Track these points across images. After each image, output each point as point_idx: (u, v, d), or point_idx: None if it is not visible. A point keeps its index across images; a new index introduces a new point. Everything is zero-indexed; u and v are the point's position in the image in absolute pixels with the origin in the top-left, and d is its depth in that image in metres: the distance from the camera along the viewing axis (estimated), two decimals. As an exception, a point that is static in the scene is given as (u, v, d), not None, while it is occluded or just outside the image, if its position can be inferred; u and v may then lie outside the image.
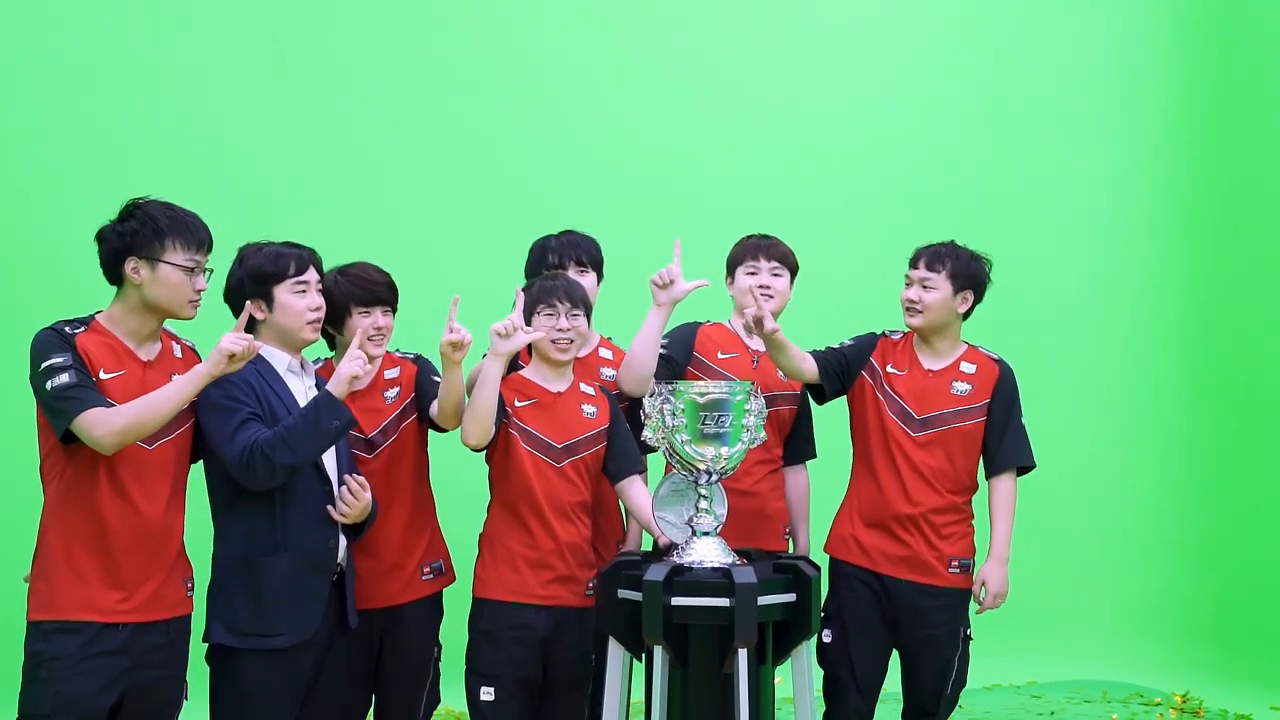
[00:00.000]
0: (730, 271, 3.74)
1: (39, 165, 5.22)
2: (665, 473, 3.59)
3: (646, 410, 3.14)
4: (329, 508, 3.13)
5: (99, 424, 2.76)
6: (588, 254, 3.75)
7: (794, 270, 3.71)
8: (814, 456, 3.89)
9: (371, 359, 3.36)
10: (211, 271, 3.03)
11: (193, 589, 3.07)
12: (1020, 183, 6.48)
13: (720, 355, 3.71)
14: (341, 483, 3.19)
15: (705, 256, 3.86)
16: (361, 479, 3.18)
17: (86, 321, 2.95)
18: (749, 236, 3.75)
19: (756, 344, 3.71)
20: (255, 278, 3.16)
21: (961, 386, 3.60)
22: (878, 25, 6.42)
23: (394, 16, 5.80)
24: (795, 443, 3.85)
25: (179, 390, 2.86)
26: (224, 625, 3.09)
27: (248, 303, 3.15)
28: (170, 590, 2.98)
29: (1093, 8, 6.60)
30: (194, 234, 2.95)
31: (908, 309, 3.60)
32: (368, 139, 5.71)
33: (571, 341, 3.42)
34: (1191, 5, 6.49)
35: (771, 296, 3.62)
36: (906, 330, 3.69)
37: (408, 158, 5.78)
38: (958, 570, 3.59)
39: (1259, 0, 6.07)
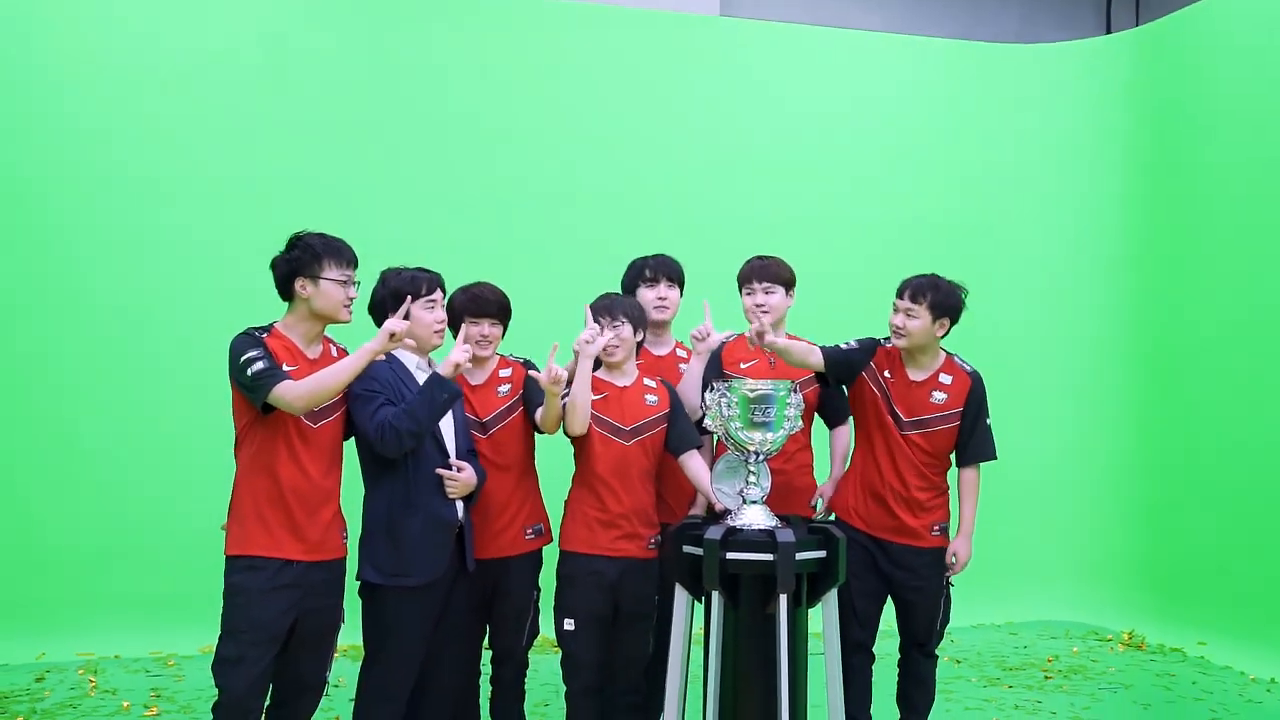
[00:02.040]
0: (740, 289, 3.73)
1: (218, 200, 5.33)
2: (716, 453, 3.70)
3: (707, 403, 3.17)
4: (445, 485, 3.21)
5: (289, 390, 2.88)
6: (678, 273, 3.83)
7: (788, 283, 3.65)
8: (850, 415, 3.79)
9: (478, 360, 3.44)
10: (359, 284, 3.12)
11: (347, 538, 3.16)
12: (996, 217, 6.46)
13: (742, 365, 3.72)
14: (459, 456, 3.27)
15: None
16: (461, 463, 3.25)
17: (268, 329, 3.07)
18: (750, 260, 3.71)
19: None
20: (395, 296, 3.25)
21: (939, 396, 3.58)
22: (880, 96, 6.35)
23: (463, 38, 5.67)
24: (830, 410, 3.83)
25: (351, 363, 2.97)
26: (371, 566, 3.18)
27: (407, 304, 3.23)
28: (331, 538, 3.08)
29: (1056, 86, 6.49)
30: (343, 255, 3.06)
31: (894, 333, 3.56)
32: (450, 162, 5.70)
33: (617, 346, 3.44)
34: (1139, 89, 6.36)
35: (768, 311, 3.61)
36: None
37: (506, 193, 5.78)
38: (938, 533, 3.61)
39: (1193, 83, 5.98)
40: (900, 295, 3.58)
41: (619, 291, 3.69)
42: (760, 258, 3.73)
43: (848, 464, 3.79)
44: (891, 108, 6.28)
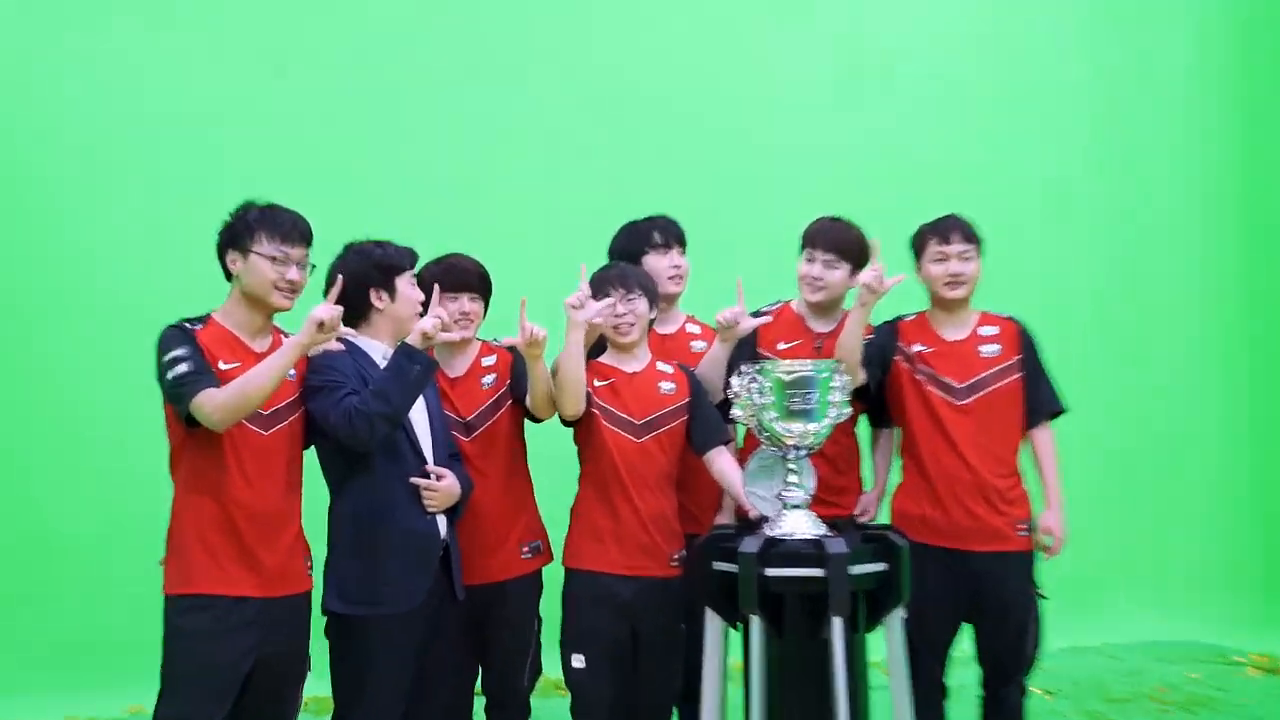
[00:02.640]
0: (801, 250, 3.81)
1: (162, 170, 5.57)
2: (744, 447, 3.80)
3: (735, 389, 3.22)
4: (422, 498, 3.27)
5: (207, 402, 2.92)
6: (683, 236, 3.89)
7: (856, 258, 3.70)
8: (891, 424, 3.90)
9: (456, 345, 3.53)
10: (314, 267, 3.19)
11: (311, 567, 3.22)
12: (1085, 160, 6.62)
13: (781, 346, 3.76)
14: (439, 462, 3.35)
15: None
16: (440, 470, 3.31)
17: (204, 319, 3.13)
18: (819, 220, 3.80)
19: (822, 325, 3.78)
20: (382, 269, 3.33)
21: (990, 349, 3.70)
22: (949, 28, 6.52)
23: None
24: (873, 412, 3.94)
25: (275, 363, 2.99)
26: (338, 594, 3.24)
27: (369, 287, 3.32)
28: (293, 567, 3.13)
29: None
30: (281, 227, 3.10)
31: (950, 283, 3.69)
32: (422, 124, 5.94)
33: (632, 324, 3.52)
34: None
35: (822, 288, 3.70)
36: (916, 312, 3.82)
37: (469, 147, 5.98)
38: (1025, 532, 3.68)
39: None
40: (947, 239, 3.73)
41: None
42: (831, 219, 3.78)
43: (891, 476, 3.90)
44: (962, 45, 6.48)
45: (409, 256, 3.38)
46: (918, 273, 3.82)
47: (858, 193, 5.10)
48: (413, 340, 3.20)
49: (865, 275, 3.49)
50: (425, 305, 3.40)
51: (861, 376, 3.61)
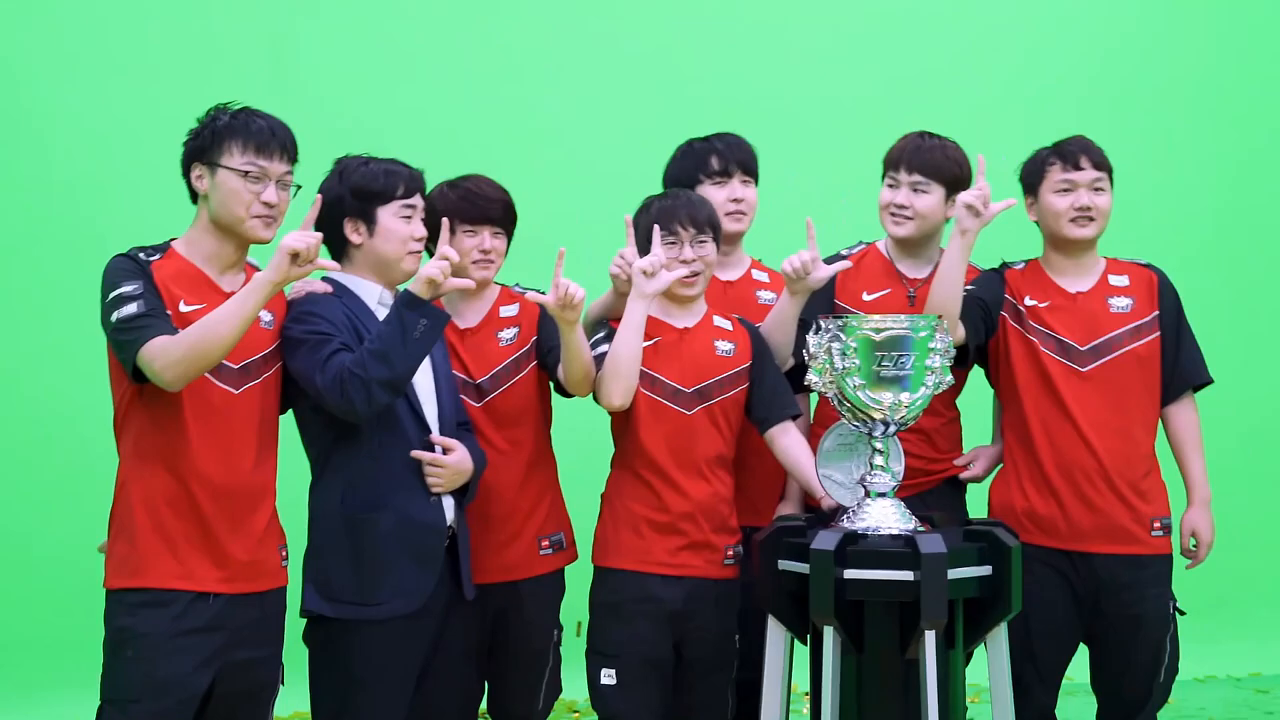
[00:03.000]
0: (884, 175, 3.74)
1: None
2: (813, 421, 3.75)
3: (811, 349, 3.15)
4: (425, 475, 3.23)
5: (159, 355, 2.84)
6: (753, 162, 3.80)
7: (952, 182, 3.64)
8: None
9: (479, 285, 3.44)
10: (299, 188, 3.12)
11: (287, 557, 3.17)
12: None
13: (866, 296, 3.72)
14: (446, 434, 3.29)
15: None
16: (448, 440, 3.26)
17: (163, 248, 3.05)
18: (906, 138, 3.74)
19: (916, 270, 3.72)
20: (359, 195, 3.25)
21: (1121, 302, 3.63)
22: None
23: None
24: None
25: (240, 305, 2.89)
26: (320, 592, 3.18)
27: (345, 217, 3.26)
28: (265, 557, 3.07)
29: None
30: (255, 135, 3.01)
31: (1078, 219, 3.60)
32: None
33: (697, 274, 3.47)
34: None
35: (911, 218, 3.64)
36: (1025, 260, 3.74)
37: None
38: (1160, 533, 3.59)
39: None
40: (1076, 164, 3.64)
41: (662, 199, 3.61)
42: (919, 135, 3.71)
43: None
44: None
45: (401, 181, 3.27)
46: (1030, 210, 3.72)
47: (964, 114, 5.06)
48: (416, 288, 3.10)
49: (967, 195, 3.40)
50: (419, 241, 3.32)
51: (960, 332, 3.52)
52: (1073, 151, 3.64)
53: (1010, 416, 3.70)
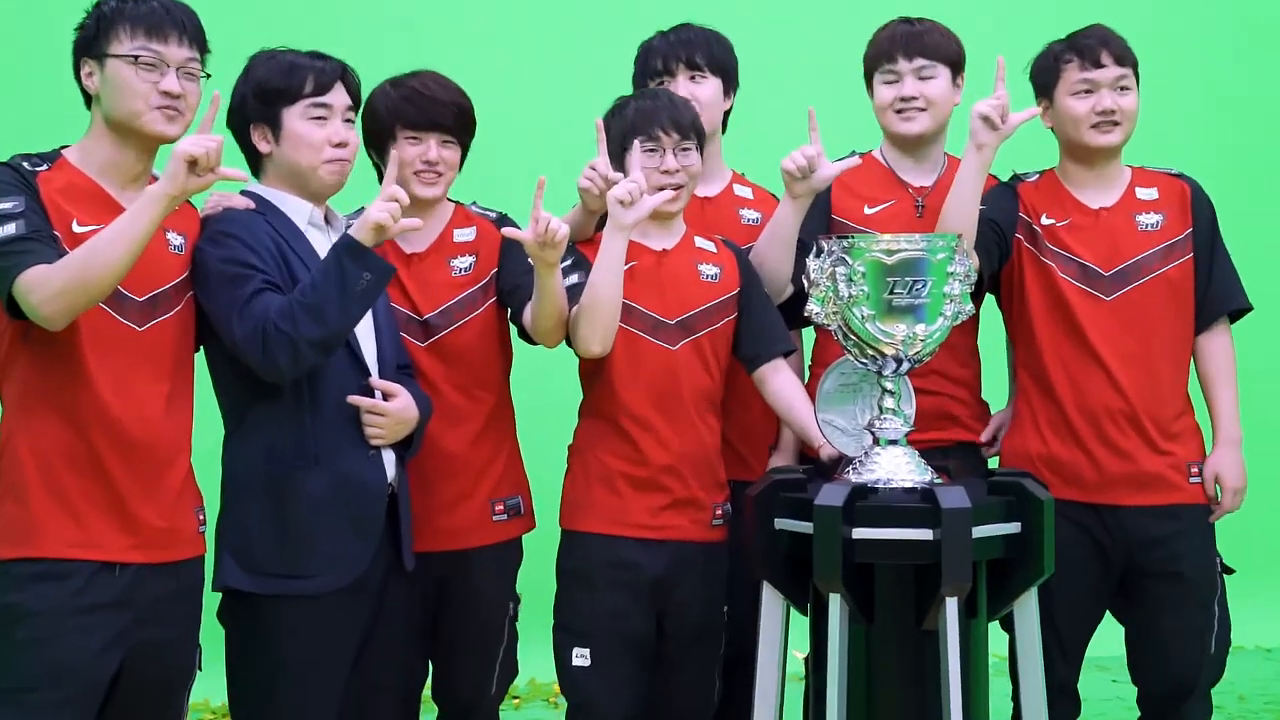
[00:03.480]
0: (868, 80, 3.67)
1: None
2: (813, 360, 3.68)
3: (812, 275, 3.06)
4: (363, 424, 3.15)
5: (36, 286, 2.70)
6: (707, 55, 3.66)
7: (955, 62, 3.61)
8: None
9: (420, 204, 3.30)
10: (208, 76, 2.98)
11: (204, 521, 3.08)
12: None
13: (868, 210, 3.64)
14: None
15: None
16: (389, 385, 3.17)
17: (52, 157, 2.92)
18: (883, 27, 3.67)
19: (922, 178, 3.65)
20: (260, 95, 3.15)
21: (1150, 219, 3.55)
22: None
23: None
24: None
25: (130, 224, 2.75)
26: (239, 564, 3.08)
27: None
28: (181, 521, 2.97)
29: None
30: (146, 17, 2.89)
31: (1100, 124, 3.51)
32: None
33: (681, 187, 3.38)
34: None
35: (923, 109, 3.56)
36: (1039, 171, 3.69)
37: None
38: (1199, 479, 3.54)
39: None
40: (1097, 62, 3.50)
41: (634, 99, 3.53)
42: (906, 21, 3.64)
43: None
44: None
45: (309, 75, 3.12)
46: (1043, 115, 3.63)
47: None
48: (360, 234, 2.97)
49: (983, 105, 3.34)
50: (339, 148, 3.15)
51: (974, 259, 3.42)
52: (1091, 45, 3.53)
53: (1024, 353, 3.64)
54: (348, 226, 3.08)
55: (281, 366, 2.94)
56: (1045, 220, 3.57)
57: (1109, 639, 3.69)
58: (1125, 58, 3.53)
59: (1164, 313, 3.53)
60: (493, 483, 3.44)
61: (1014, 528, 2.94)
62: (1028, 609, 3.03)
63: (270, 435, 3.07)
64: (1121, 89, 3.51)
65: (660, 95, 3.44)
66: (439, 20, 5.52)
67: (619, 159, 3.31)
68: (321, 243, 3.16)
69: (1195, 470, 3.52)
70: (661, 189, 3.33)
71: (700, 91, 3.61)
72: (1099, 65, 3.50)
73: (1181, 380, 3.57)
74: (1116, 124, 3.51)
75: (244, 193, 3.13)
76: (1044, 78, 3.60)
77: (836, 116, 3.62)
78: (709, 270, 3.41)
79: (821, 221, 3.56)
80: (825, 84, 3.80)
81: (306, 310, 2.92)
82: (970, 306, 3.08)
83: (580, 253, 3.35)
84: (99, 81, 2.88)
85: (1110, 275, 3.51)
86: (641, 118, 3.33)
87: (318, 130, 3.12)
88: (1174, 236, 3.54)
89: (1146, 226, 3.54)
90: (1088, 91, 3.51)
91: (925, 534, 2.80)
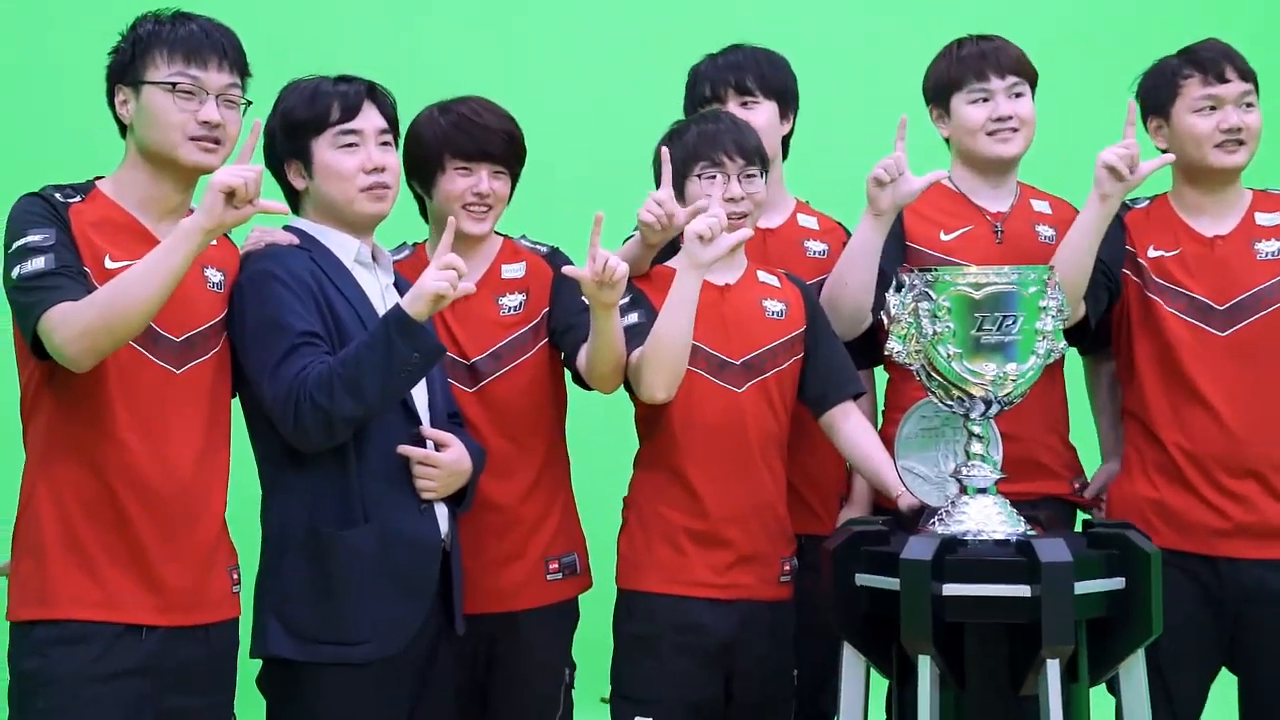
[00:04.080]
0: (940, 101, 3.58)
1: None
2: (886, 398, 3.61)
3: (892, 311, 2.96)
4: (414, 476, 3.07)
5: (60, 324, 2.63)
6: (758, 78, 3.58)
7: (1034, 81, 3.57)
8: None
9: (468, 239, 3.23)
10: (249, 104, 2.93)
11: (239, 582, 2.99)
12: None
13: (944, 236, 3.53)
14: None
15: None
16: (440, 434, 3.07)
17: (86, 188, 2.85)
18: (960, 44, 3.59)
19: (998, 203, 3.56)
20: (287, 129, 3.08)
21: (1270, 246, 3.45)
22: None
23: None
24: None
25: (162, 259, 2.67)
26: (284, 629, 2.96)
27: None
28: (212, 582, 2.89)
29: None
30: (184, 41, 2.83)
31: (1225, 143, 3.40)
32: None
33: (745, 215, 3.31)
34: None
35: (1016, 130, 3.49)
36: (1149, 198, 3.56)
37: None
38: None
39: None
40: (1221, 77, 3.41)
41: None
42: (980, 39, 3.56)
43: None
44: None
45: (334, 101, 3.04)
46: (1154, 135, 3.53)
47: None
48: (415, 306, 2.85)
49: (1111, 154, 3.25)
50: (375, 174, 3.06)
51: (1081, 310, 3.40)
52: (1214, 59, 3.42)
53: (1131, 391, 3.53)
54: (396, 263, 3.04)
55: (312, 439, 2.88)
56: (1152, 252, 3.46)
57: (1223, 702, 3.57)
58: (1248, 73, 3.44)
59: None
60: (547, 539, 3.35)
61: (1118, 583, 2.82)
62: (1135, 672, 2.90)
63: (313, 489, 2.97)
64: (1247, 105, 3.42)
65: (722, 118, 3.36)
66: (479, 43, 5.50)
67: (678, 187, 3.24)
68: (369, 281, 3.08)
69: None
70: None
71: (754, 118, 3.52)
72: (1223, 80, 3.41)
73: None
74: (1242, 143, 3.41)
75: (287, 228, 3.05)
76: (1158, 94, 3.49)
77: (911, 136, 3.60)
78: (774, 306, 3.33)
79: (896, 248, 3.47)
80: (893, 105, 3.67)
81: (345, 384, 2.84)
82: (1064, 344, 2.97)
83: (639, 289, 3.26)
84: (133, 110, 2.83)
85: (1224, 309, 3.40)
86: (705, 142, 3.26)
87: (349, 159, 3.04)
88: None
89: (1267, 255, 3.44)
90: (1212, 108, 3.41)
91: (1022, 590, 2.69)
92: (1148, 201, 3.56)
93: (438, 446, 3.03)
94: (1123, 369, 3.56)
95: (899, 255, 3.44)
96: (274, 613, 2.97)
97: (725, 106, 3.53)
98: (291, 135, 3.05)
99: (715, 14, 5.43)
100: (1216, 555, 3.36)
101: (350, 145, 3.04)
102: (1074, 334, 3.43)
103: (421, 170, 3.27)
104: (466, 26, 5.64)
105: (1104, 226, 3.33)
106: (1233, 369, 3.38)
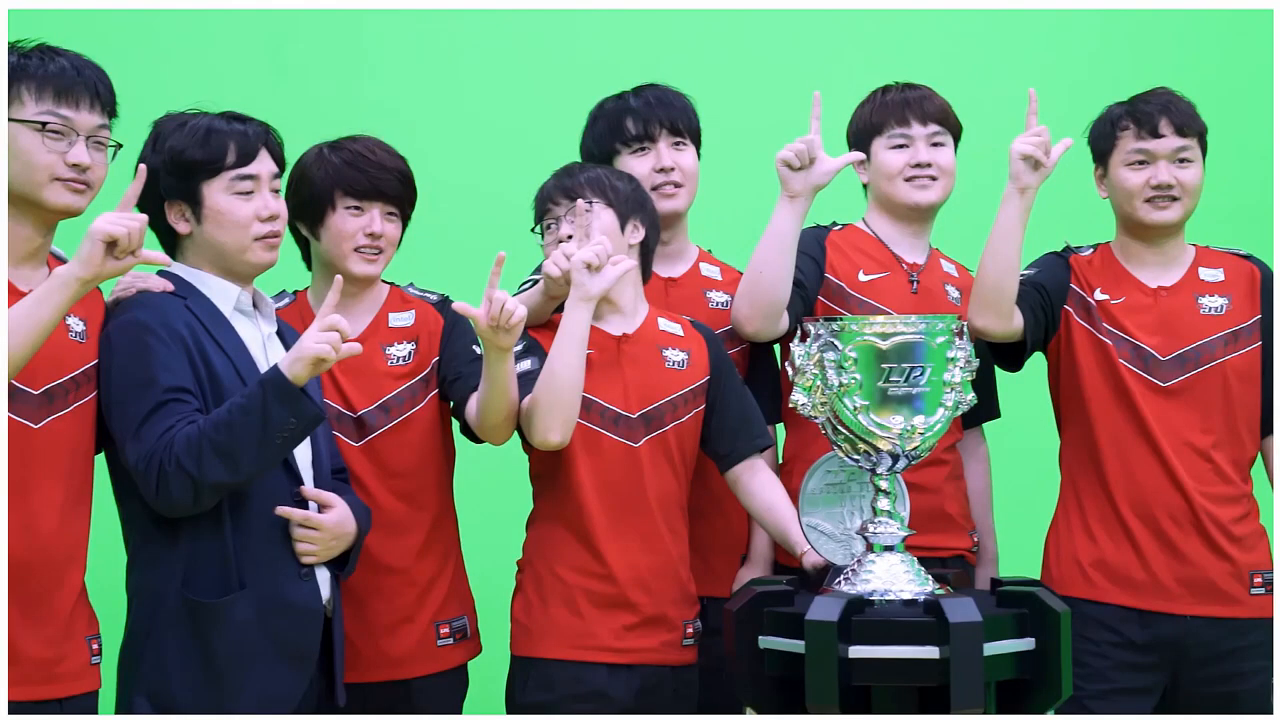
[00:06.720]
0: (861, 146, 3.61)
1: None
2: (784, 453, 3.62)
3: (797, 361, 2.93)
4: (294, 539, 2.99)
5: None
6: (686, 120, 3.60)
7: (957, 132, 3.63)
8: (997, 415, 3.80)
9: (357, 282, 3.22)
10: (119, 147, 2.87)
11: (99, 653, 2.89)
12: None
13: (863, 276, 3.56)
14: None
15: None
16: (323, 494, 3.00)
17: None
18: (884, 90, 3.64)
19: (914, 253, 3.60)
20: (175, 169, 2.96)
21: (1213, 302, 3.49)
22: None
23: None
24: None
25: (34, 308, 2.61)
26: (153, 707, 2.88)
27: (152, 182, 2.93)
28: (69, 651, 2.79)
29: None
30: (54, 78, 2.76)
31: (1156, 198, 3.44)
32: None
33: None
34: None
35: (935, 178, 3.54)
36: (1092, 245, 3.62)
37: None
38: (1262, 589, 3.44)
39: None
40: (1156, 132, 3.46)
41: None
42: (905, 87, 3.62)
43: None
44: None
45: (231, 142, 2.97)
46: (1099, 183, 3.59)
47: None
48: (294, 369, 2.77)
49: (1023, 143, 3.28)
50: (270, 222, 3.00)
51: (1018, 321, 3.41)
52: (1150, 113, 3.46)
53: (1073, 437, 3.55)
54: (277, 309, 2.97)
55: (177, 505, 2.80)
56: (1099, 295, 3.50)
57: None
58: (1188, 127, 3.46)
59: (1227, 404, 3.45)
60: (438, 602, 3.30)
61: (1028, 644, 2.81)
62: (1045, 735, 2.93)
63: (186, 554, 2.88)
64: (1181, 161, 3.44)
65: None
66: (365, 80, 5.37)
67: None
68: (249, 331, 3.00)
69: (1259, 580, 3.42)
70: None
71: (684, 159, 3.54)
72: (1157, 135, 3.44)
73: (1244, 479, 3.48)
74: (1174, 199, 3.44)
75: (161, 273, 2.94)
76: (1101, 144, 3.54)
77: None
78: (675, 356, 3.32)
79: (817, 274, 3.50)
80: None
81: (216, 449, 2.75)
82: (972, 396, 2.96)
83: (532, 337, 3.22)
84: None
85: (1168, 360, 3.44)
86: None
87: (244, 205, 2.97)
88: (1240, 322, 3.48)
89: (1210, 310, 3.47)
90: (1143, 163, 3.46)
91: (931, 652, 2.69)
92: (1091, 249, 3.59)
93: (320, 507, 2.97)
94: (1067, 410, 3.54)
95: (817, 278, 3.46)
96: (142, 688, 2.88)
97: (656, 146, 3.52)
98: (180, 176, 2.96)
99: (616, 55, 5.37)
100: (1153, 611, 3.37)
101: (246, 192, 2.98)
102: (1007, 355, 3.49)
103: (309, 210, 3.21)
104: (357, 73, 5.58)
105: (1025, 220, 3.33)
106: (1177, 419, 3.40)
